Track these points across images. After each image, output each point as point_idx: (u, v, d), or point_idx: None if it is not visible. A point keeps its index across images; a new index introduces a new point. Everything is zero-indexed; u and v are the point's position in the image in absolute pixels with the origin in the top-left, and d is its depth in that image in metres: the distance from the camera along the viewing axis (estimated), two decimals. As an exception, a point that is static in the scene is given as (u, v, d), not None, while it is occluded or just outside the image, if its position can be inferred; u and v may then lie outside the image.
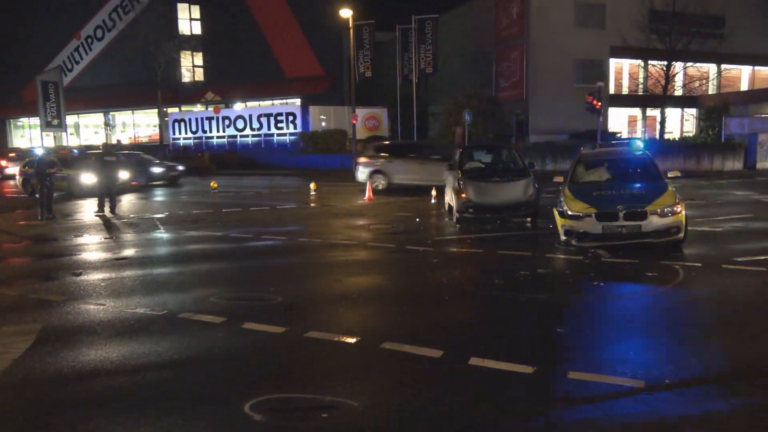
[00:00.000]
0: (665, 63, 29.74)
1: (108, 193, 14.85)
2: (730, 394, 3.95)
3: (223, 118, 38.53)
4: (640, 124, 35.98)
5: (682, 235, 8.41)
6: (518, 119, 32.92)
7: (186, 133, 39.89)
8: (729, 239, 9.74)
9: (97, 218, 14.10)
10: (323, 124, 35.76)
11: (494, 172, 12.24)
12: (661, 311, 5.96)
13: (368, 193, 16.93)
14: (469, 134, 26.59)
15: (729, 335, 5.12)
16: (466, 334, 5.32)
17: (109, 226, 12.89)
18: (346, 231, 11.52)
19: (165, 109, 41.68)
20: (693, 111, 34.96)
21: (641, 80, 33.80)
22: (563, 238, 8.85)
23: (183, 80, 43.40)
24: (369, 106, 36.18)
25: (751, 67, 37.52)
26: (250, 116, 38.10)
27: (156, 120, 43.32)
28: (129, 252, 9.79)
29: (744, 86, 37.65)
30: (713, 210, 13.12)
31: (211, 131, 39.01)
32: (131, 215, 14.73)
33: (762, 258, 7.92)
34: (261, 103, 40.55)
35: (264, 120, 37.50)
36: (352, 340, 5.08)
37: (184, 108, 42.70)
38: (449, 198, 12.44)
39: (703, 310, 5.92)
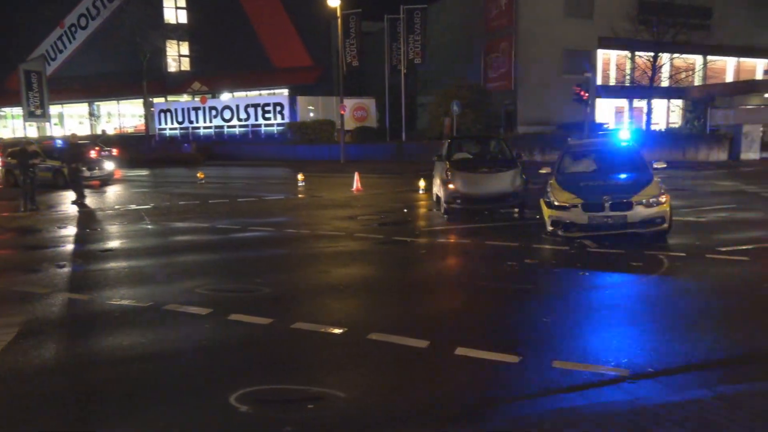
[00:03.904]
0: (652, 54, 29.86)
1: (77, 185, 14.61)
2: (712, 382, 4.00)
3: (210, 109, 38.19)
4: (627, 114, 36.16)
5: (667, 225, 8.49)
6: (507, 110, 32.95)
7: (172, 123, 39.48)
8: (713, 229, 9.85)
9: (81, 209, 13.94)
10: (311, 114, 35.57)
11: (482, 162, 12.25)
12: (645, 301, 6.03)
13: (356, 184, 16.91)
14: (458, 125, 26.59)
15: (711, 324, 5.18)
16: (453, 325, 5.34)
17: (93, 218, 12.74)
18: (334, 222, 11.50)
19: (151, 99, 41.21)
20: (679, 102, 35.18)
21: (628, 71, 33.92)
22: (550, 228, 8.90)
23: (169, 70, 42.90)
24: (357, 96, 35.99)
25: (736, 59, 37.78)
26: (238, 106, 37.79)
27: (141, 110, 42.84)
28: (114, 243, 9.70)
29: (729, 78, 37.92)
30: (698, 200, 13.26)
31: (197, 122, 38.66)
32: (116, 207, 14.58)
33: (744, 248, 8.03)
34: (248, 93, 40.21)
35: (251, 110, 37.20)
36: (339, 331, 5.08)
37: (170, 98, 42.23)
38: (437, 189, 12.44)
39: (686, 300, 5.98)
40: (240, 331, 5.21)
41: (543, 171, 10.27)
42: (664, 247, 8.27)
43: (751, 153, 25.80)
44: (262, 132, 36.83)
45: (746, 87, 34.33)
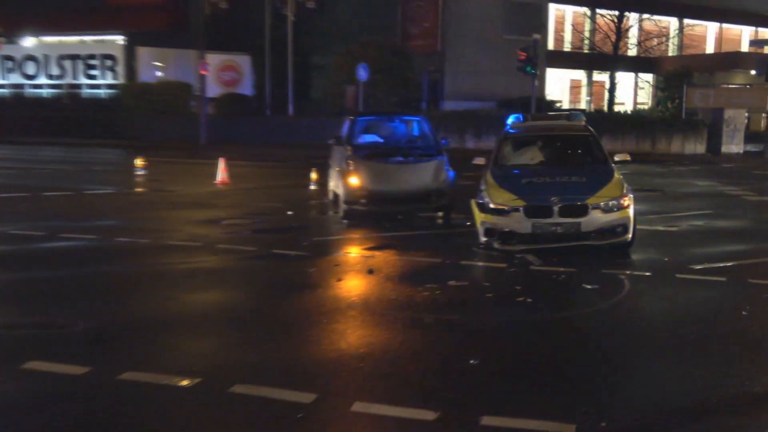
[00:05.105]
0: (617, 13, 31.87)
1: None
2: (676, 437, 4.34)
3: (5, 59, 36.61)
4: (584, 90, 38.31)
5: (629, 235, 9.08)
6: (431, 78, 33.78)
7: (-57, 78, 37.21)
8: (686, 241, 10.69)
9: None
10: (159, 73, 34.76)
11: (396, 149, 12.49)
12: (600, 336, 6.41)
13: (221, 175, 16.72)
14: (366, 96, 26.91)
15: (679, 364, 5.61)
16: (350, 371, 5.40)
17: None
18: (188, 228, 11.38)
19: None
20: (649, 77, 37.80)
21: (587, 34, 35.95)
22: (483, 239, 9.22)
23: (-60, -1, 40.23)
24: (226, 51, 35.48)
25: (718, 24, 41.18)
26: (47, 57, 36.58)
27: None
28: None
29: (710, 48, 41.29)
30: (669, 204, 14.32)
31: (-17, 77, 36.67)
32: None
33: (723, 265, 8.77)
34: (64, 39, 38.57)
35: (68, 64, 36.05)
36: (189, 383, 5.00)
37: (-60, 41, 39.60)
38: (334, 184, 12.54)
39: (649, 335, 6.43)
40: (41, 385, 5.02)
41: (476, 162, 10.63)
42: (625, 264, 8.84)
43: (733, 145, 28.28)
44: (85, 96, 35.55)
45: (729, 60, 37.57)
